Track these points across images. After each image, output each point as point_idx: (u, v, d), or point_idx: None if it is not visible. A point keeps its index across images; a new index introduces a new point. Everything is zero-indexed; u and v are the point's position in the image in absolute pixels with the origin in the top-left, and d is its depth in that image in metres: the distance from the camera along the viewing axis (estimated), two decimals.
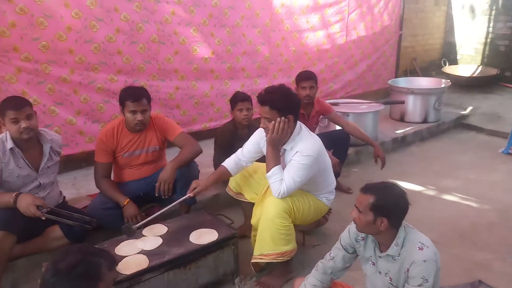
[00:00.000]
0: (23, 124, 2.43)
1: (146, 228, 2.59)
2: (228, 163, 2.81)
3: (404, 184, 4.13)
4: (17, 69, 3.38)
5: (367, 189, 1.90)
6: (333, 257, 2.15)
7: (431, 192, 4.02)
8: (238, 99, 3.40)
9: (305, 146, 2.48)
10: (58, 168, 2.82)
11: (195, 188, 2.67)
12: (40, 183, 2.65)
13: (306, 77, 3.62)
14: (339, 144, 3.75)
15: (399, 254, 1.89)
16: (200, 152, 3.01)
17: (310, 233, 3.14)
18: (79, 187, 3.72)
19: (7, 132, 2.52)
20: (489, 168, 4.52)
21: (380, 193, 1.86)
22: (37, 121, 2.57)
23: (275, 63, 5.09)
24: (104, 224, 2.85)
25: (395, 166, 4.54)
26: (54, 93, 3.61)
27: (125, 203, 2.83)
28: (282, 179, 2.45)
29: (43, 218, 2.37)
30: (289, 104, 2.48)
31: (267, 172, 2.52)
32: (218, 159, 3.49)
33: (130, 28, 3.85)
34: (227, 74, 4.69)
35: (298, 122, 2.60)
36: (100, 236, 2.85)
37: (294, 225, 2.57)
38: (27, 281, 2.65)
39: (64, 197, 2.98)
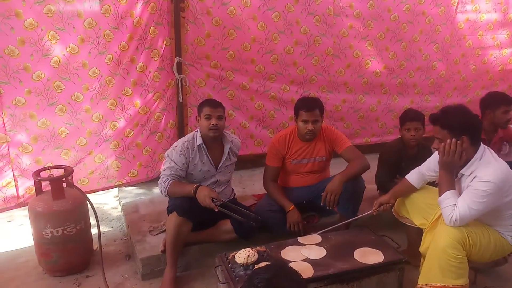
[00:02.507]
0: (213, 121, 2.73)
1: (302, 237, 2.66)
2: (411, 176, 2.72)
3: None
4: (206, 75, 3.77)
5: None
6: None
7: None
8: (407, 118, 3.26)
9: (486, 172, 2.24)
10: (234, 168, 3.07)
11: (380, 205, 2.71)
12: (217, 180, 2.93)
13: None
14: None
15: None
16: (368, 167, 2.99)
17: (484, 273, 2.84)
18: (245, 186, 4.00)
19: (198, 130, 2.84)
20: None
21: None
22: (225, 124, 2.85)
23: (451, 80, 4.77)
24: (268, 225, 3.00)
25: None
26: (233, 98, 3.94)
27: (290, 209, 2.94)
28: (455, 204, 2.27)
29: (216, 210, 2.58)
30: (463, 124, 2.28)
31: (439, 197, 2.36)
32: (382, 177, 3.41)
33: (308, 41, 3.98)
34: (397, 89, 4.55)
35: (483, 146, 2.37)
36: (264, 236, 3.01)
37: (468, 260, 2.35)
38: (198, 266, 2.93)
39: (235, 194, 3.23)
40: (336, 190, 2.84)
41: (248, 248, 2.32)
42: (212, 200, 2.57)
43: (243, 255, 2.25)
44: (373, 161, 3.55)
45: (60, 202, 2.69)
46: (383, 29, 4.25)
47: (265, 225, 2.98)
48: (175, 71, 3.57)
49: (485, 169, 2.26)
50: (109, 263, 2.98)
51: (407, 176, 2.75)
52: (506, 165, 2.34)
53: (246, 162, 4.26)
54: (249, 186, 3.98)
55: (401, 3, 4.24)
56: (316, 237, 2.65)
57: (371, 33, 4.22)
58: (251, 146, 4.15)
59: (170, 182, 2.69)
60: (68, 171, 2.80)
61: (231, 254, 2.35)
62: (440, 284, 2.29)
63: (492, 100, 3.30)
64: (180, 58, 3.56)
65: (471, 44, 4.71)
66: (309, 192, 3.13)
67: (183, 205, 2.62)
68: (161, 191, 2.75)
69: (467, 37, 4.66)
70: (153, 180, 3.73)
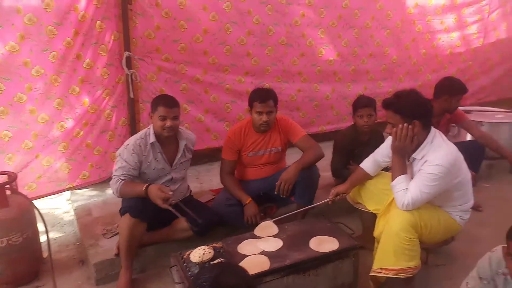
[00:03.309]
0: (168, 123, 2.65)
1: (258, 227, 2.66)
2: (366, 164, 2.76)
3: None
4: (158, 69, 3.67)
5: None
6: None
7: None
8: (360, 105, 3.30)
9: (437, 155, 2.30)
10: (189, 164, 3.02)
11: (337, 195, 2.74)
12: (172, 177, 2.86)
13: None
14: (472, 157, 3.43)
15: None
16: (322, 155, 3.02)
17: (434, 252, 2.94)
18: (202, 181, 3.95)
19: (151, 127, 2.77)
20: None
21: None
22: (179, 122, 2.78)
23: (403, 65, 4.87)
24: (226, 220, 2.98)
25: None
26: (187, 92, 3.86)
27: (247, 202, 2.94)
28: (407, 189, 2.32)
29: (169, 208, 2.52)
30: (415, 109, 2.33)
31: (391, 181, 2.41)
32: (337, 164, 3.46)
33: (261, 31, 3.95)
34: (351, 77, 4.61)
35: (434, 130, 2.42)
36: (221, 231, 3.00)
37: (420, 242, 2.42)
38: (154, 267, 2.88)
39: (191, 191, 3.18)
40: (290, 179, 2.85)
41: (203, 246, 2.29)
42: (165, 200, 2.50)
43: (198, 254, 2.22)
44: (330, 148, 3.60)
45: (3, 211, 2.56)
46: (335, 16, 4.27)
47: (223, 220, 2.97)
48: (124, 66, 3.45)
49: (435, 153, 2.32)
50: (61, 270, 2.87)
51: (361, 165, 2.79)
52: (455, 148, 2.41)
53: (202, 157, 4.22)
54: (207, 181, 3.94)
55: None
56: (273, 229, 2.64)
57: (323, 21, 4.23)
58: (207, 140, 4.10)
59: (122, 182, 2.60)
60: (12, 177, 2.66)
61: (186, 253, 2.32)
62: (394, 267, 2.35)
63: (453, 87, 3.40)
64: (129, 53, 3.45)
65: (420, 29, 4.82)
66: (266, 183, 3.13)
67: (136, 206, 2.54)
68: (113, 192, 2.66)
69: (416, 22, 4.77)
70: (106, 181, 3.59)
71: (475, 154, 3.50)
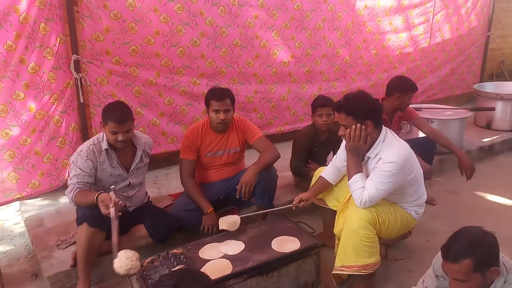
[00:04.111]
0: (121, 138, 2.54)
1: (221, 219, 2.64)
2: (327, 173, 2.79)
3: (494, 198, 3.86)
4: (108, 72, 3.55)
5: (456, 256, 1.65)
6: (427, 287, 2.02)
7: None
8: (318, 104, 3.35)
9: (389, 153, 2.36)
10: (146, 169, 2.93)
11: (301, 201, 2.72)
12: (129, 183, 2.77)
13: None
14: (424, 152, 3.56)
15: None
16: (279, 157, 3.02)
17: (392, 246, 3.01)
18: (160, 186, 3.85)
19: (104, 133, 2.65)
20: None
21: (475, 251, 1.64)
22: (133, 131, 2.67)
23: (355, 66, 4.97)
24: (185, 225, 2.93)
25: (482, 177, 4.23)
26: (140, 95, 3.75)
27: (208, 211, 2.89)
28: (364, 186, 2.36)
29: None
30: (366, 109, 2.38)
31: (348, 180, 2.45)
32: (296, 162, 3.48)
33: (214, 32, 3.91)
34: (305, 77, 4.64)
35: (385, 129, 2.49)
36: (181, 237, 2.93)
37: (378, 238, 2.46)
38: (113, 276, 2.72)
39: (149, 196, 3.10)
40: (251, 181, 2.82)
41: (130, 253, 2.13)
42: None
43: (124, 265, 2.08)
44: (288, 148, 3.62)
45: None
46: (288, 18, 4.30)
47: (181, 225, 2.91)
48: (73, 70, 3.30)
49: (388, 150, 2.38)
50: (12, 285, 2.71)
51: (322, 174, 2.82)
52: (407, 145, 2.48)
53: (160, 161, 4.12)
54: (165, 185, 3.85)
55: None
56: (237, 223, 2.62)
57: (276, 23, 4.24)
58: (164, 144, 4.00)
59: (76, 191, 2.49)
60: None
61: (146, 261, 2.24)
62: (355, 264, 2.39)
63: (404, 85, 3.48)
64: (78, 56, 3.31)
65: (371, 30, 4.94)
66: (226, 185, 3.11)
67: (93, 214, 2.43)
68: (69, 201, 2.55)
69: (367, 23, 4.88)
70: (59, 189, 3.45)
71: (427, 149, 3.62)
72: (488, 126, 5.36)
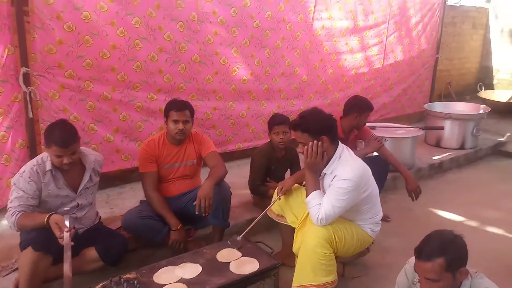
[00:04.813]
0: (66, 161, 2.40)
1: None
2: None
3: (444, 214, 4.00)
4: (61, 86, 3.39)
5: (430, 254, 1.73)
6: None
7: (473, 223, 3.85)
8: (275, 122, 3.35)
9: (344, 170, 2.39)
10: (97, 188, 2.80)
11: (281, 189, 2.75)
12: (78, 204, 2.62)
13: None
14: (379, 170, 3.63)
15: None
16: (226, 173, 3.03)
17: (350, 264, 3.03)
18: (113, 206, 3.69)
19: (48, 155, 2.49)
20: None
21: (448, 250, 1.73)
22: (80, 150, 2.53)
23: (312, 85, 5.04)
24: (140, 234, 2.84)
25: (433, 194, 4.39)
26: (94, 111, 3.61)
27: (178, 228, 2.84)
28: (321, 204, 2.37)
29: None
30: (320, 125, 2.42)
31: (306, 197, 2.46)
32: (255, 181, 3.45)
33: (173, 48, 3.85)
34: (264, 95, 4.66)
35: (342, 145, 2.52)
36: (134, 259, 2.82)
37: (335, 256, 2.47)
38: None
39: (100, 217, 2.95)
40: (208, 195, 2.74)
41: None
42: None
43: None
44: (246, 165, 3.60)
45: None
46: (247, 35, 4.32)
47: (138, 236, 2.82)
48: (21, 84, 3.12)
49: (343, 168, 2.41)
50: None
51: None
52: (362, 162, 2.53)
53: (113, 179, 3.95)
54: (118, 205, 3.68)
55: (263, 10, 4.35)
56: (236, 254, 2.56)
57: (236, 40, 4.24)
58: (117, 162, 3.86)
59: (19, 214, 2.31)
60: None
61: (96, 287, 2.12)
62: (312, 283, 2.37)
63: (361, 105, 3.56)
64: (27, 69, 3.14)
65: (328, 50, 5.05)
66: (180, 201, 3.05)
67: (39, 238, 2.27)
68: (10, 226, 2.37)
69: (324, 43, 4.99)
70: (2, 210, 3.22)
71: (381, 168, 3.70)
72: (438, 144, 5.57)
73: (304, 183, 2.77)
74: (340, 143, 2.53)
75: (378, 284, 2.89)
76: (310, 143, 2.39)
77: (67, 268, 2.10)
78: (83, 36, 3.38)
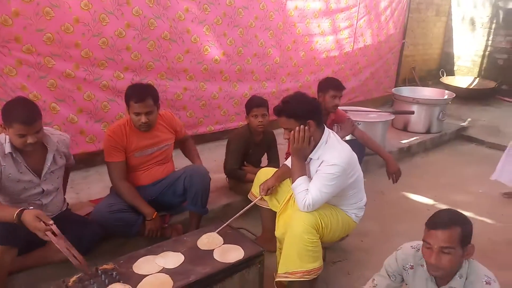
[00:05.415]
0: (31, 139, 2.18)
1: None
2: (289, 161, 2.67)
3: (416, 197, 4.04)
4: (18, 62, 3.11)
5: (448, 223, 1.71)
6: (376, 285, 1.99)
7: (444, 207, 3.90)
8: (253, 104, 3.22)
9: (332, 155, 2.32)
10: (63, 172, 2.58)
11: (268, 190, 2.65)
12: (43, 190, 2.42)
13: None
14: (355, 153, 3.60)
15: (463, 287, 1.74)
16: None
17: (329, 249, 2.99)
18: (78, 191, 3.47)
19: (7, 136, 2.25)
20: (496, 182, 4.44)
21: (462, 222, 1.73)
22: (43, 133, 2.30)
23: (284, 67, 4.94)
24: (114, 230, 2.64)
25: (403, 177, 4.38)
26: (56, 89, 3.34)
27: (153, 217, 2.67)
28: (308, 189, 2.30)
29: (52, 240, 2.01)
30: (306, 109, 2.33)
31: (292, 183, 2.38)
32: (232, 165, 3.32)
33: (142, 24, 3.61)
34: (236, 76, 4.51)
35: (328, 130, 2.44)
36: (109, 248, 2.64)
37: (321, 242, 2.40)
38: None
39: (68, 203, 2.75)
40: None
41: None
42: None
43: None
44: (217, 148, 3.45)
45: None
46: (220, 13, 4.13)
47: (108, 232, 2.63)
48: None
49: (330, 153, 2.35)
50: None
51: (286, 162, 2.75)
52: (349, 148, 2.46)
53: (77, 163, 3.60)
54: (84, 190, 3.47)
55: None
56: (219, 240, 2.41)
57: (208, 18, 4.05)
58: (82, 144, 3.61)
59: None
60: None
61: (71, 280, 1.93)
62: (299, 270, 2.31)
63: (324, 85, 3.47)
64: None
65: (300, 32, 4.94)
66: (155, 188, 2.87)
67: (4, 230, 2.08)
68: None
69: (297, 24, 4.88)
70: None
71: (357, 152, 3.64)
72: (405, 129, 5.64)
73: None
74: (326, 128, 2.45)
75: (358, 267, 2.87)
76: (297, 128, 2.30)
77: (73, 259, 1.95)
78: (42, 8, 3.10)
